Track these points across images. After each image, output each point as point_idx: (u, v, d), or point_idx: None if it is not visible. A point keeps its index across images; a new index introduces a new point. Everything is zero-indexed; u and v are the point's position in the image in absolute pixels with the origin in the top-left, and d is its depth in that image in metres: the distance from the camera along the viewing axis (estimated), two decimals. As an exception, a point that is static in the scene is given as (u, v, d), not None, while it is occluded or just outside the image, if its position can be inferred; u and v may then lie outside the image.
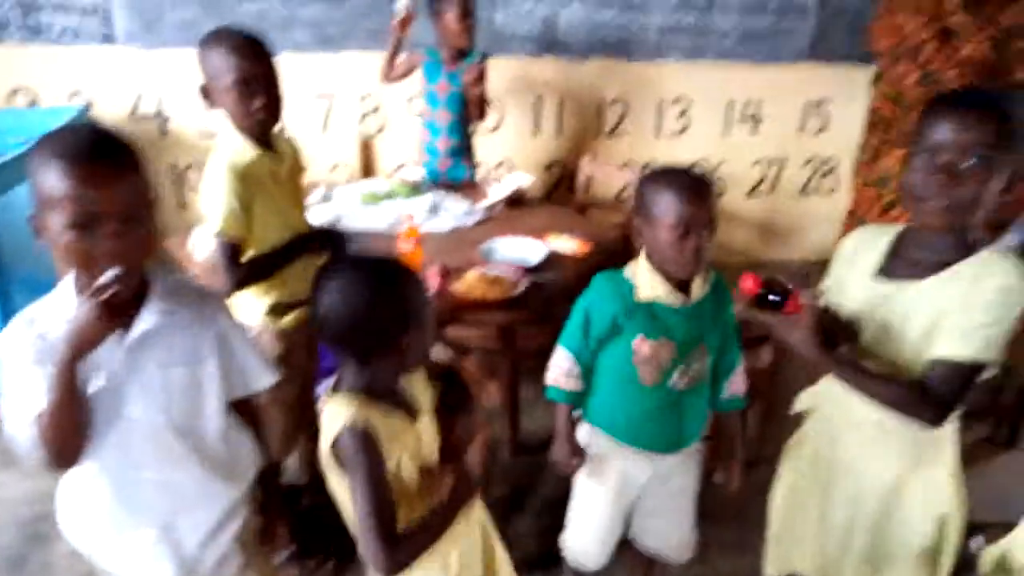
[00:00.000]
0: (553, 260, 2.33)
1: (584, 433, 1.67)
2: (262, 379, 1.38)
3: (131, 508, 1.25)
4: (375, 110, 3.60)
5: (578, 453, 1.64)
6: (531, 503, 2.39)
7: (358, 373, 1.25)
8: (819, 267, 1.60)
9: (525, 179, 2.96)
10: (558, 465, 1.66)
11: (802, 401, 1.57)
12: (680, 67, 3.76)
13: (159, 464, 1.24)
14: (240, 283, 1.71)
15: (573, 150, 3.80)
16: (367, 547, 1.16)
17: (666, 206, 1.43)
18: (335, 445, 1.19)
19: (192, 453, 1.26)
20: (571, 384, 1.60)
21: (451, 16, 2.88)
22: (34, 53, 3.29)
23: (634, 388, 1.54)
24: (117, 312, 1.09)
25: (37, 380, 1.11)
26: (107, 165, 1.07)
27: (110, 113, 3.40)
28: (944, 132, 1.20)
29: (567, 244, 2.43)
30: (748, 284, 1.32)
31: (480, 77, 2.94)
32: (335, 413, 1.20)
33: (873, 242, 1.41)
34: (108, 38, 3.30)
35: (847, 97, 3.86)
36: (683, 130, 3.93)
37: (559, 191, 3.88)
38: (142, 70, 3.36)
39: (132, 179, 1.10)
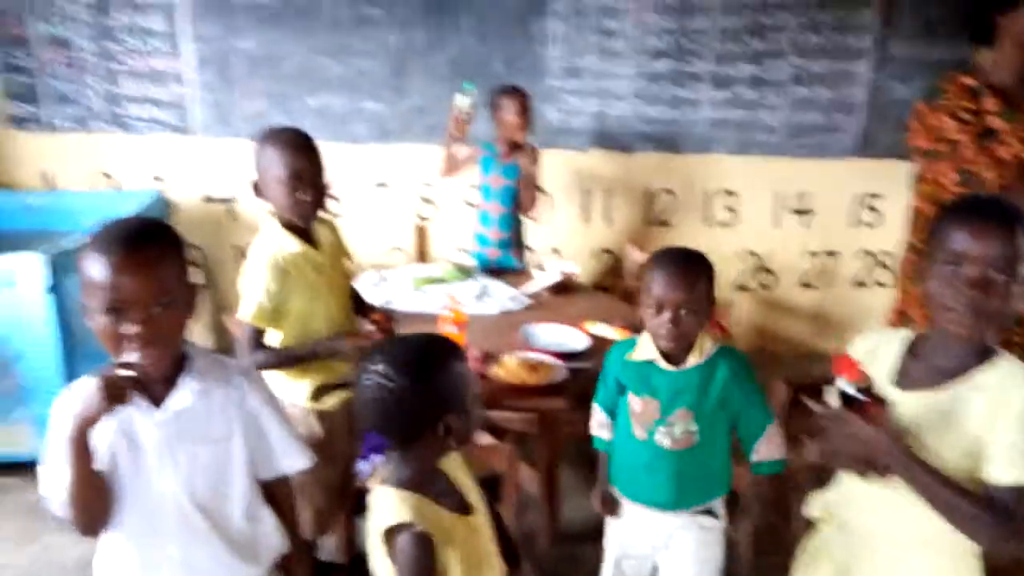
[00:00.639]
0: (595, 347, 2.35)
1: None
2: (294, 461, 1.41)
3: None
4: (430, 199, 3.75)
5: (608, 502, 1.79)
6: (568, 594, 2.35)
7: (402, 461, 1.26)
8: None
9: (571, 267, 3.03)
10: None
11: (815, 506, 1.50)
12: (728, 160, 3.84)
13: (182, 539, 1.28)
14: (259, 368, 1.76)
15: (622, 238, 3.87)
16: None
17: (649, 283, 1.61)
18: (388, 537, 1.19)
19: (215, 531, 1.30)
20: (604, 434, 1.80)
21: (510, 112, 3.03)
22: (118, 141, 3.56)
23: (632, 441, 1.70)
24: (121, 396, 1.14)
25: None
26: (138, 255, 1.15)
27: (184, 197, 3.62)
28: (966, 243, 1.20)
29: (608, 330, 2.46)
30: (845, 366, 1.26)
31: (534, 160, 3.06)
32: (389, 505, 1.20)
33: (885, 347, 1.38)
34: (184, 129, 3.54)
35: (899, 192, 3.85)
36: (732, 221, 3.97)
37: (608, 278, 3.94)
38: (214, 158, 3.59)
39: (164, 268, 1.18)
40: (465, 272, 2.99)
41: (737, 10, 3.63)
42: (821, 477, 1.53)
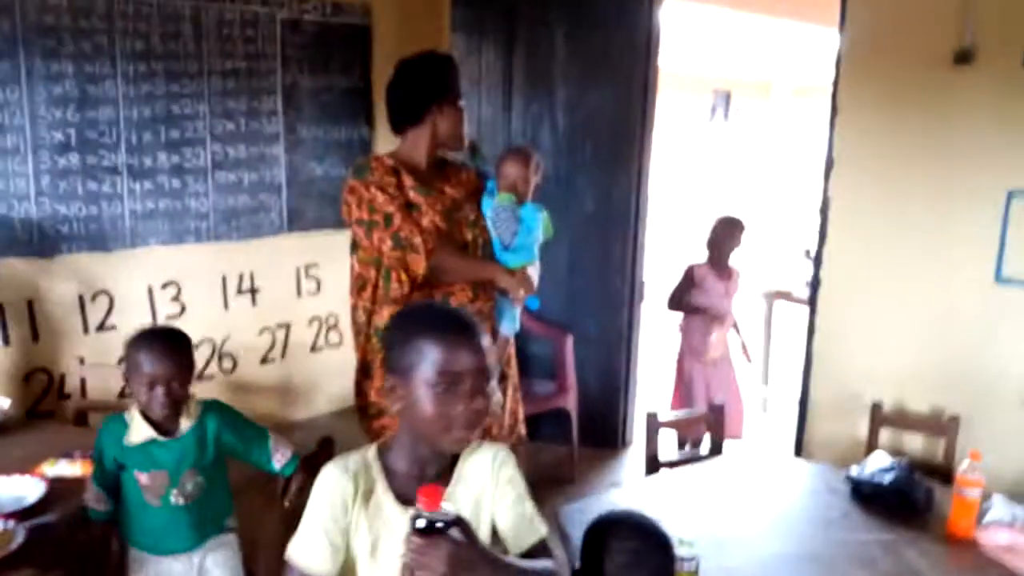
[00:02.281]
0: (55, 493, 2.02)
1: None
2: None
3: None
4: None
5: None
6: None
7: None
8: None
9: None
10: None
11: None
12: (163, 250, 3.70)
13: None
14: None
15: (57, 355, 3.41)
16: None
17: (139, 363, 1.82)
18: None
19: None
20: (102, 507, 1.93)
21: None
22: None
23: (147, 508, 1.91)
24: None
25: None
26: None
27: None
28: (464, 359, 1.23)
29: (69, 468, 2.15)
30: (430, 497, 1.16)
31: None
32: None
33: (357, 475, 1.31)
34: None
35: (332, 259, 4.20)
36: (181, 312, 3.83)
37: (51, 401, 3.43)
38: None
39: None
40: None
41: (145, 100, 3.53)
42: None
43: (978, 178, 2.82)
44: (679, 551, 1.65)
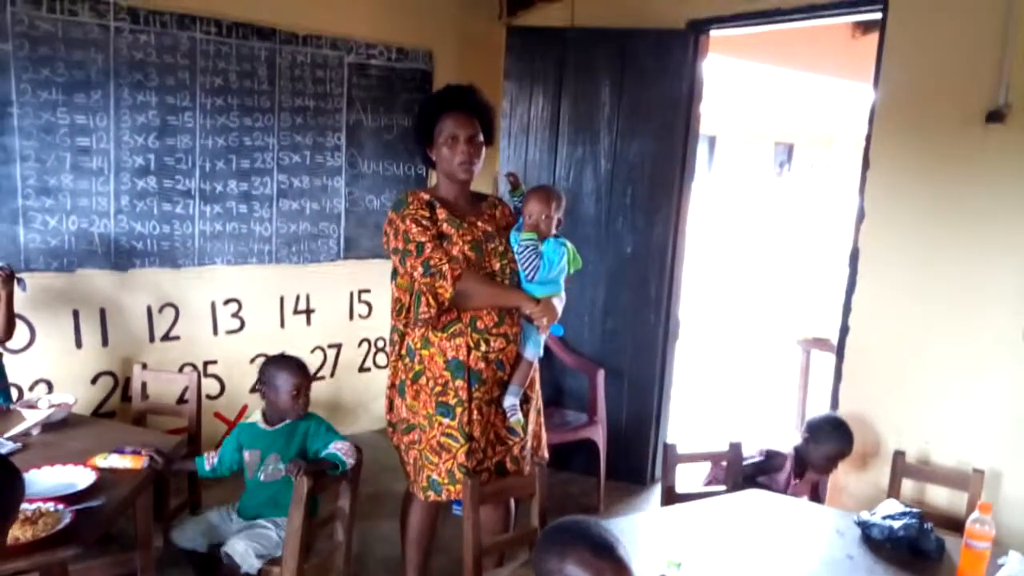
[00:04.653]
0: (104, 482, 2.23)
1: None
2: None
3: None
4: None
5: None
6: None
7: None
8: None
9: (65, 398, 2.81)
10: None
11: None
12: (227, 270, 3.97)
13: None
14: None
15: (123, 360, 3.69)
16: None
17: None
18: None
19: None
20: (206, 465, 2.65)
21: None
22: None
23: (247, 478, 2.60)
24: None
25: None
26: None
27: None
28: None
29: (119, 461, 2.36)
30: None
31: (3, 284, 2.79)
32: None
33: None
34: None
35: (384, 286, 4.37)
36: (241, 327, 4.08)
37: (111, 405, 3.70)
38: None
39: None
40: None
41: (219, 132, 3.83)
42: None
43: (1007, 235, 2.82)
44: (666, 572, 1.73)
